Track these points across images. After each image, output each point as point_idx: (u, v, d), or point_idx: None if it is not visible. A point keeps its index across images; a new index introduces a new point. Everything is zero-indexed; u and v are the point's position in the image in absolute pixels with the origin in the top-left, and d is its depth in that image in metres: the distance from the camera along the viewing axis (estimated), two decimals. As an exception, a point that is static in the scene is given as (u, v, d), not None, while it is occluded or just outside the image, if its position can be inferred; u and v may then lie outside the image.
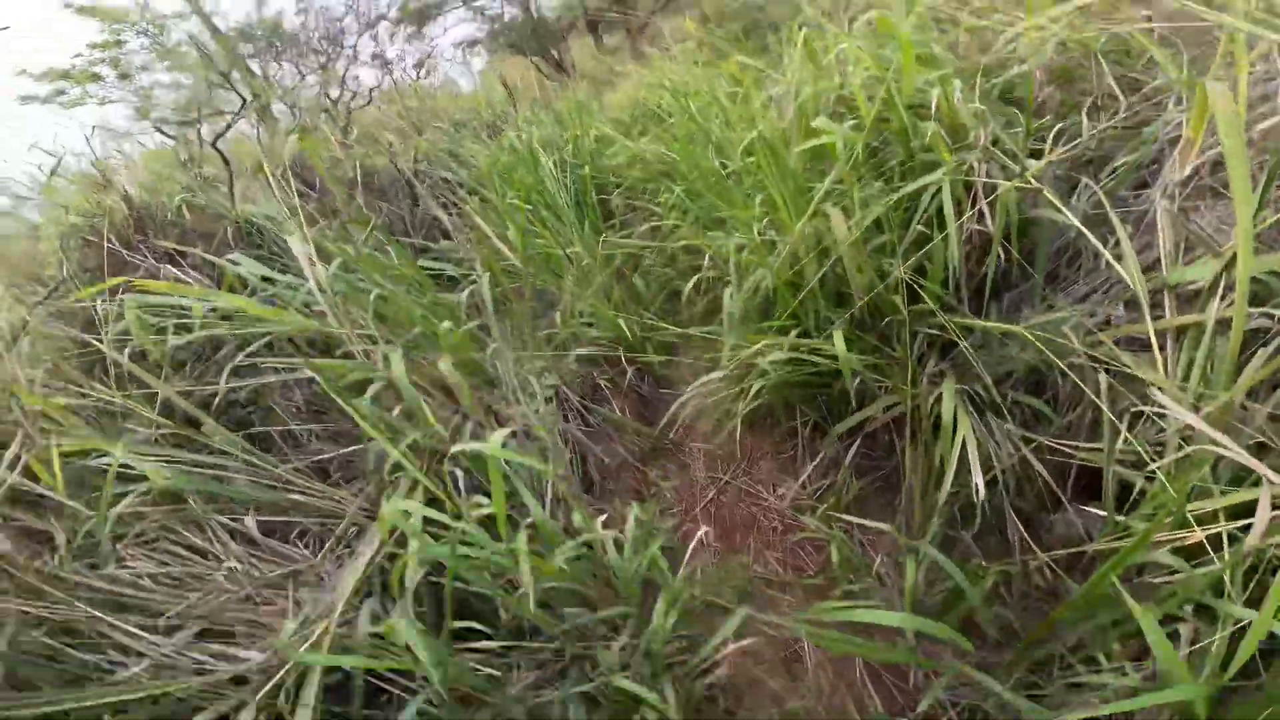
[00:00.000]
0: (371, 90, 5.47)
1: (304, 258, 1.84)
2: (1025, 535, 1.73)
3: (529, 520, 1.79)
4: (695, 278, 2.34)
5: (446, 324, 1.98)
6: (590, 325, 2.54)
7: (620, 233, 3.22)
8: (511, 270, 2.68)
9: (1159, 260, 1.76)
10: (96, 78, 7.74)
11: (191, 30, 9.21)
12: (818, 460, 2.27)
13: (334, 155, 4.03)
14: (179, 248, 2.72)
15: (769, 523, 2.27)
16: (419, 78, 9.39)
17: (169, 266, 2.58)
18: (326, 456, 2.28)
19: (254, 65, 9.02)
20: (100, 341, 2.39)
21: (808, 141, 1.96)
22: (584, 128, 4.07)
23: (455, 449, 1.63)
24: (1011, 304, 2.08)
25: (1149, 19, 2.07)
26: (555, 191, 2.95)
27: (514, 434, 2.19)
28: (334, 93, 7.40)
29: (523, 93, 7.18)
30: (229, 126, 2.95)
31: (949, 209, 1.71)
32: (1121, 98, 2.06)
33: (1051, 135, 1.97)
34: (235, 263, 2.33)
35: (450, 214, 3.34)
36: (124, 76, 8.12)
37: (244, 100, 3.17)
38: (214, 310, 2.08)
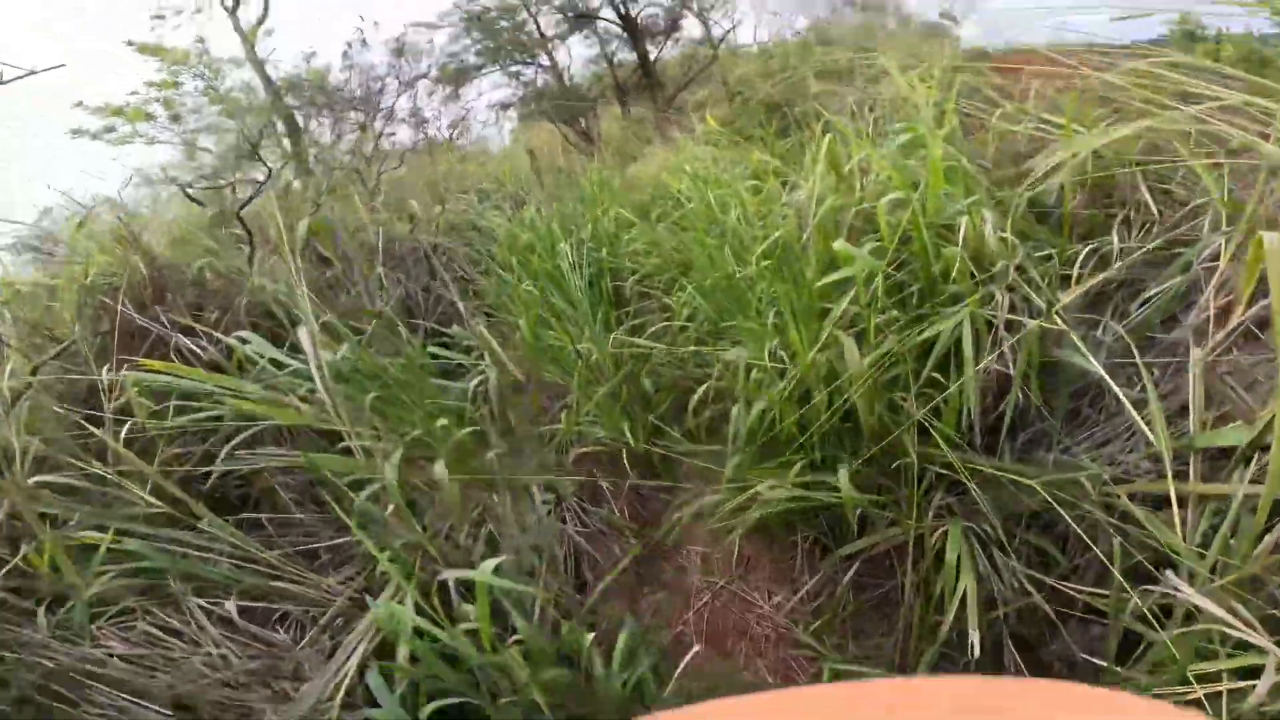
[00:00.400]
0: (403, 154, 5.61)
1: (310, 350, 1.82)
2: (1023, 667, 1.67)
3: (516, 636, 1.72)
4: (703, 388, 2.30)
5: (442, 423, 1.94)
6: (595, 424, 2.50)
7: (633, 321, 3.21)
8: (521, 359, 2.66)
9: (1187, 407, 1.70)
10: (149, 117, 7.99)
11: (244, 77, 9.60)
12: (817, 576, 2.20)
13: (359, 218, 4.10)
14: (192, 318, 2.73)
15: (762, 630, 2.19)
16: (452, 138, 9.66)
17: (182, 335, 2.58)
18: (318, 545, 2.22)
19: (298, 117, 9.32)
20: (101, 411, 2.38)
21: (826, 260, 1.94)
22: (605, 207, 4.13)
23: (443, 576, 1.57)
24: (1027, 443, 2.02)
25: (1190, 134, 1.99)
26: (570, 278, 2.95)
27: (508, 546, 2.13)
28: (368, 148, 7.61)
29: (549, 160, 7.37)
30: (253, 197, 2.99)
31: (968, 349, 1.67)
32: (1154, 208, 2.01)
33: (1080, 258, 1.93)
34: (245, 340, 2.33)
35: (468, 292, 3.35)
36: (175, 118, 8.40)
37: (269, 171, 3.22)
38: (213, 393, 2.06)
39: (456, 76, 12.36)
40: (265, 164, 3.56)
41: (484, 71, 12.89)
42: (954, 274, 1.72)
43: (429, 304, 3.19)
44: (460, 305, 2.82)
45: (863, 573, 2.04)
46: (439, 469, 1.81)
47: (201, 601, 2.07)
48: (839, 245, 1.75)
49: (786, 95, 4.33)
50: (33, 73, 2.89)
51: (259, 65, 9.73)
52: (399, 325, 2.77)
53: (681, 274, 3.06)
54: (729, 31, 11.81)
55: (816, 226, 1.94)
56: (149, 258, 2.83)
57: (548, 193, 5.00)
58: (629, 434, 2.39)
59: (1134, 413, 1.67)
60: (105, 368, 2.42)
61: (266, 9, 9.07)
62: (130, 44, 8.66)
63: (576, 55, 12.85)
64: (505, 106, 13.46)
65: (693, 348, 2.33)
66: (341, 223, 3.52)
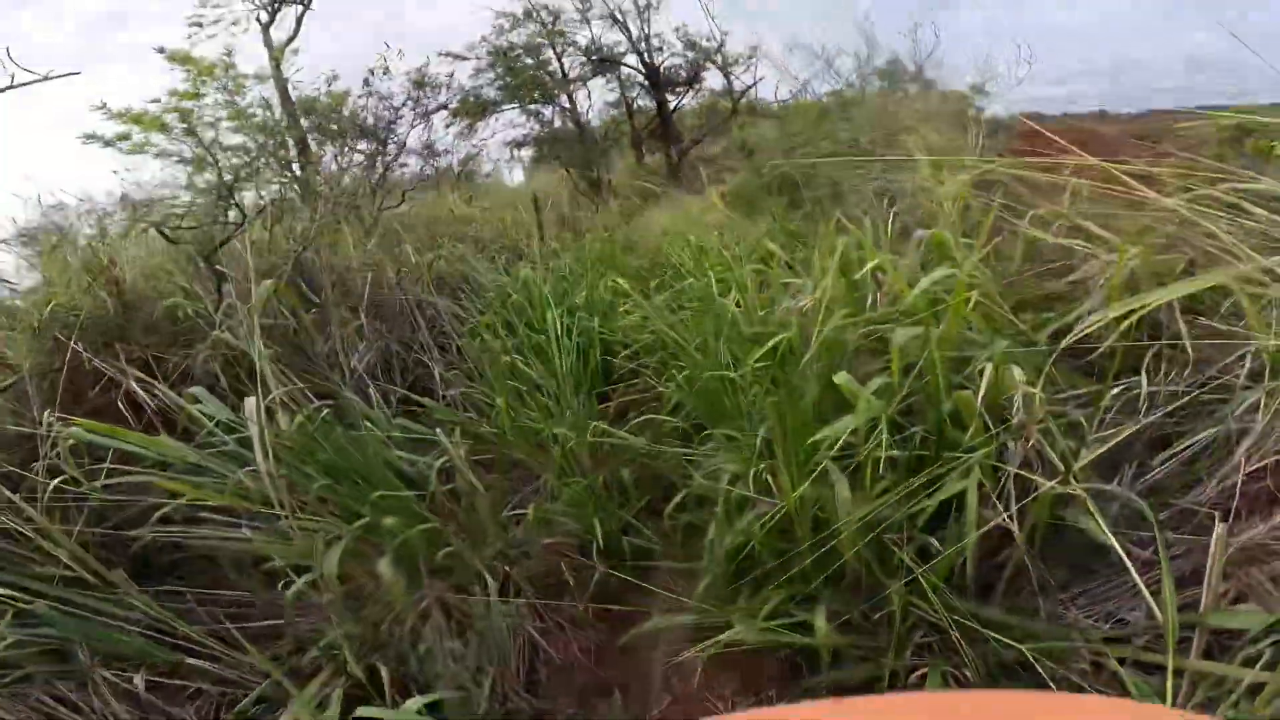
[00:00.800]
0: (404, 192, 5.54)
1: (254, 430, 1.68)
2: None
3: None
4: (681, 495, 2.15)
5: (390, 521, 1.78)
6: (564, 515, 2.33)
7: (619, 398, 3.07)
8: (494, 436, 2.51)
9: (1200, 571, 1.56)
10: (165, 128, 7.92)
11: (265, 94, 9.60)
12: (785, 697, 2.02)
13: (349, 260, 3.98)
14: (154, 360, 2.58)
15: (725, 747, 1.99)
16: (460, 175, 9.66)
17: (137, 380, 2.43)
18: (247, 626, 2.02)
19: (311, 141, 9.30)
20: (37, 458, 2.21)
21: (826, 377, 1.82)
22: (602, 272, 4.04)
23: (359, 713, 1.40)
24: (1021, 588, 1.88)
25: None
26: (557, 352, 2.82)
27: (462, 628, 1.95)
28: (375, 178, 7.54)
29: (555, 208, 7.33)
30: (227, 239, 2.86)
31: (973, 506, 1.53)
32: (1189, 347, 1.86)
33: (1104, 400, 1.79)
34: (196, 399, 2.18)
35: (450, 352, 3.22)
36: (190, 132, 8.33)
37: (245, 217, 3.08)
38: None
39: (474, 110, 12.47)
40: (240, 208, 3.43)
41: (503, 108, 13.01)
42: (966, 421, 1.59)
43: (407, 364, 3.04)
44: (436, 372, 2.68)
45: (836, 693, 1.88)
46: (384, 566, 1.64)
47: (108, 674, 1.88)
48: (842, 380, 1.62)
49: (801, 169, 4.28)
50: (47, 78, 2.81)
51: (281, 83, 9.78)
52: (369, 387, 2.62)
53: (673, 357, 2.94)
54: (749, 89, 11.91)
55: (820, 342, 1.81)
56: (117, 290, 2.70)
57: (547, 249, 4.92)
58: (598, 531, 2.23)
59: (1140, 581, 1.54)
60: (48, 413, 2.26)
61: (298, 28, 9.13)
62: (161, 50, 8.66)
63: (596, 99, 12.96)
64: (519, 145, 13.58)
65: (678, 449, 2.19)
66: (328, 267, 3.40)
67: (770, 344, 1.98)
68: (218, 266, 2.81)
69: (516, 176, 12.80)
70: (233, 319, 2.57)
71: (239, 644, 1.79)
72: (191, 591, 1.90)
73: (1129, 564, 1.54)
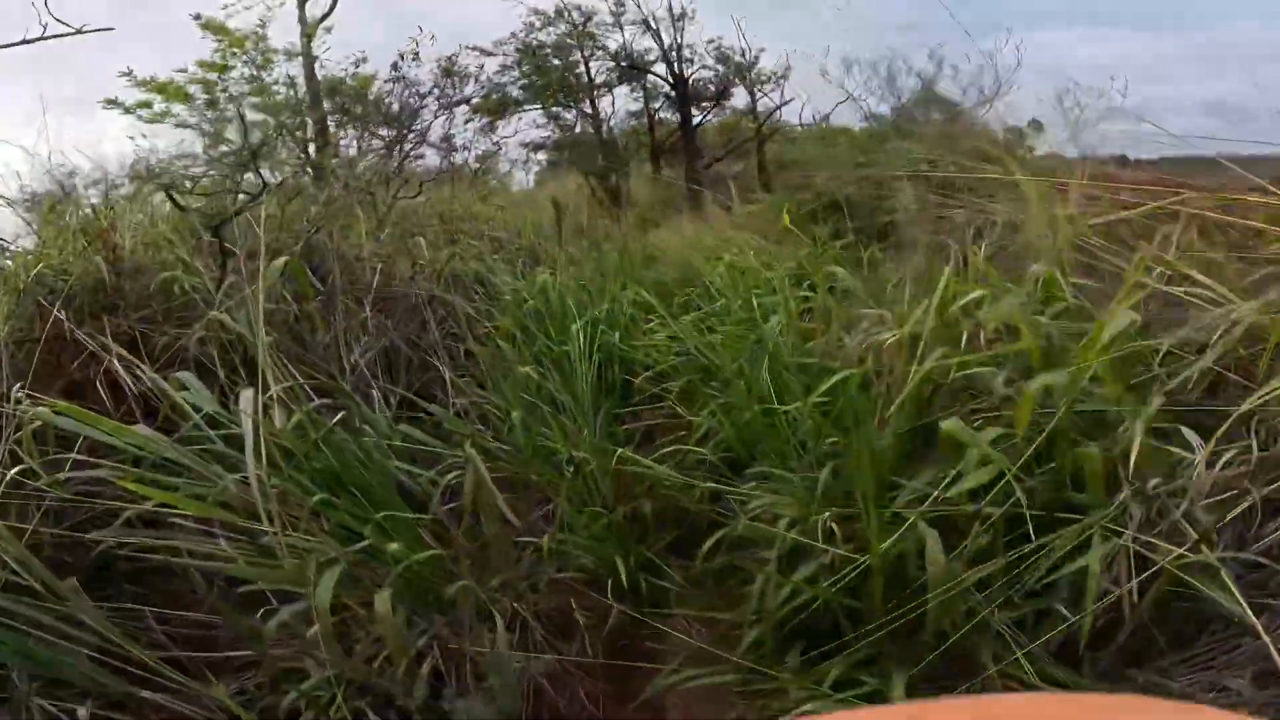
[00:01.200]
0: (421, 182, 5.34)
1: (248, 429, 1.46)
2: None
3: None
4: (719, 534, 1.93)
5: (394, 548, 1.56)
6: (579, 548, 2.11)
7: (641, 424, 2.86)
8: (505, 453, 2.29)
9: None
10: (187, 98, 7.72)
11: (292, 71, 9.42)
12: None
13: (358, 248, 3.77)
14: (141, 338, 2.36)
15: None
16: (478, 172, 9.48)
17: (120, 360, 2.20)
18: (217, 655, 1.78)
19: (330, 123, 9.13)
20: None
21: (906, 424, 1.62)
22: (624, 283, 3.84)
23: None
24: (1117, 658, 1.67)
25: None
26: (579, 368, 2.61)
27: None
28: (392, 167, 7.36)
29: (572, 214, 7.14)
30: (238, 212, 2.64)
31: (1095, 575, 1.32)
32: None
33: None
34: (183, 386, 1.96)
35: (460, 357, 3.00)
36: (212, 104, 8.15)
37: (263, 184, 2.86)
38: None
39: (497, 107, 12.33)
40: (261, 176, 3.22)
41: (525, 108, 12.87)
42: (1088, 482, 1.38)
43: (413, 366, 2.82)
44: (446, 377, 2.47)
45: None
46: (381, 602, 1.42)
47: (47, 704, 1.63)
48: (953, 428, 1.41)
49: (852, 191, 4.08)
50: (80, 32, 2.63)
51: (310, 61, 9.59)
52: (371, 387, 2.40)
53: (703, 382, 2.73)
54: (777, 108, 11.75)
55: (916, 379, 1.60)
56: (113, 256, 2.48)
57: (566, 256, 4.71)
58: (620, 568, 2.01)
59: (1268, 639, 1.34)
60: (18, 386, 2.04)
61: (333, 6, 8.95)
62: (197, 17, 8.48)
63: (619, 107, 12.85)
64: (538, 147, 13.43)
65: (709, 484, 1.97)
66: (336, 253, 3.19)
67: (834, 379, 1.78)
68: (224, 241, 2.59)
69: (530, 181, 12.65)
70: (233, 299, 2.35)
71: (203, 675, 1.56)
72: (152, 610, 1.66)
73: (1264, 635, 1.34)
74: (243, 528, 1.70)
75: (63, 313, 2.28)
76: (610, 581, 2.08)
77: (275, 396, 1.84)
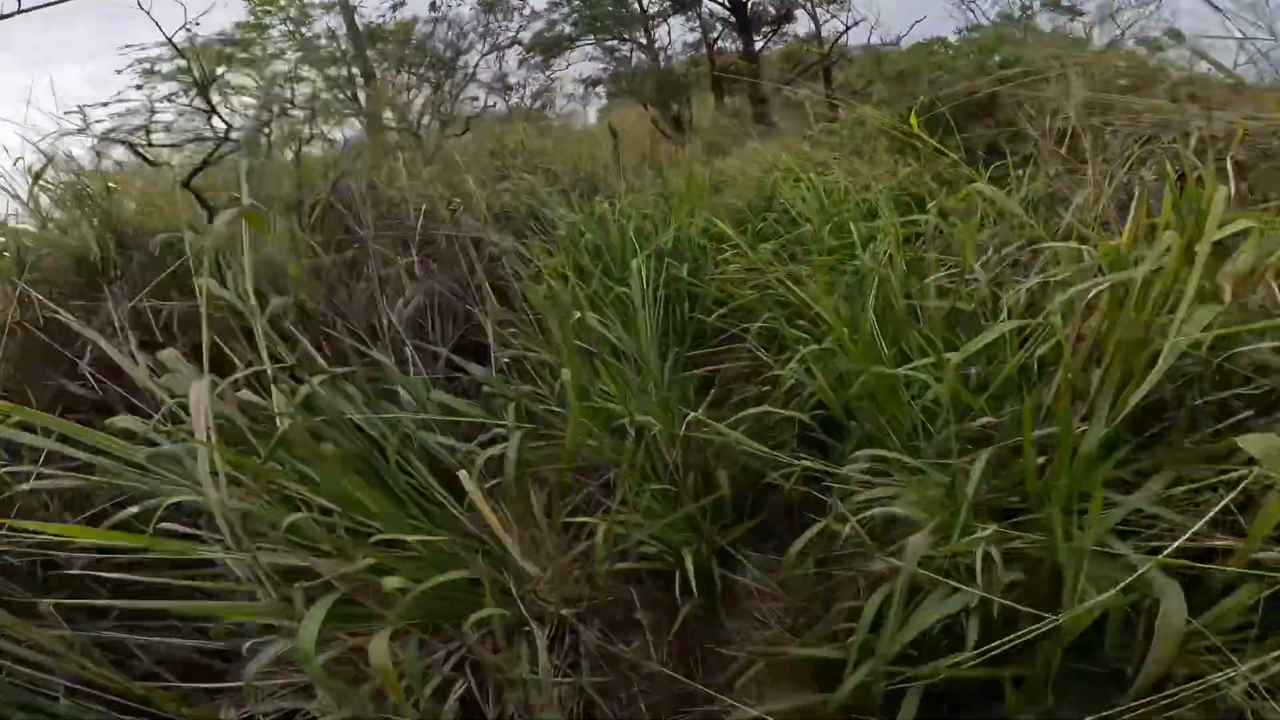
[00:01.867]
0: (469, 119, 4.94)
1: (201, 430, 1.14)
2: None
3: None
4: (815, 529, 1.50)
5: (394, 582, 1.22)
6: (641, 526, 1.74)
7: (715, 372, 2.43)
8: (555, 415, 1.93)
9: None
10: (222, 59, 7.58)
11: (331, 24, 9.16)
12: None
13: (400, 190, 3.44)
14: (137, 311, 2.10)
15: None
16: (532, 108, 9.02)
17: (110, 340, 1.95)
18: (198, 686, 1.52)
19: (376, 69, 8.83)
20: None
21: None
22: (693, 209, 3.34)
23: None
24: None
25: None
26: (642, 309, 2.19)
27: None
28: (445, 108, 7.00)
29: (633, 145, 6.60)
30: (204, 164, 2.29)
31: None
32: None
33: None
34: (166, 369, 1.66)
35: (508, 300, 2.64)
36: (249, 63, 8.00)
37: (229, 127, 2.49)
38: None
39: (550, 46, 11.73)
40: (222, 117, 2.86)
41: (578, 43, 12.23)
42: None
43: (456, 318, 2.47)
44: (489, 328, 2.10)
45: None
46: (376, 649, 1.09)
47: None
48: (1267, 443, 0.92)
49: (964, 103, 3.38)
50: None
51: (349, 12, 9.28)
52: (406, 345, 2.07)
53: (790, 320, 2.27)
54: (846, 31, 10.77)
55: (1171, 352, 1.08)
56: (107, 224, 2.22)
57: (628, 185, 4.23)
58: (688, 560, 1.63)
59: None
60: None
61: (368, -48, 8.56)
62: None
63: (675, 38, 12.08)
64: (595, 83, 12.78)
65: (801, 461, 1.53)
66: (373, 197, 2.85)
67: (993, 333, 1.30)
68: (199, 193, 2.27)
69: (592, 118, 12.07)
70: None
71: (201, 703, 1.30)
72: (143, 631, 1.40)
73: None
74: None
75: (46, 291, 2.04)
76: (678, 574, 1.70)
77: (272, 374, 1.53)
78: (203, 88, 2.87)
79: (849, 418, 1.74)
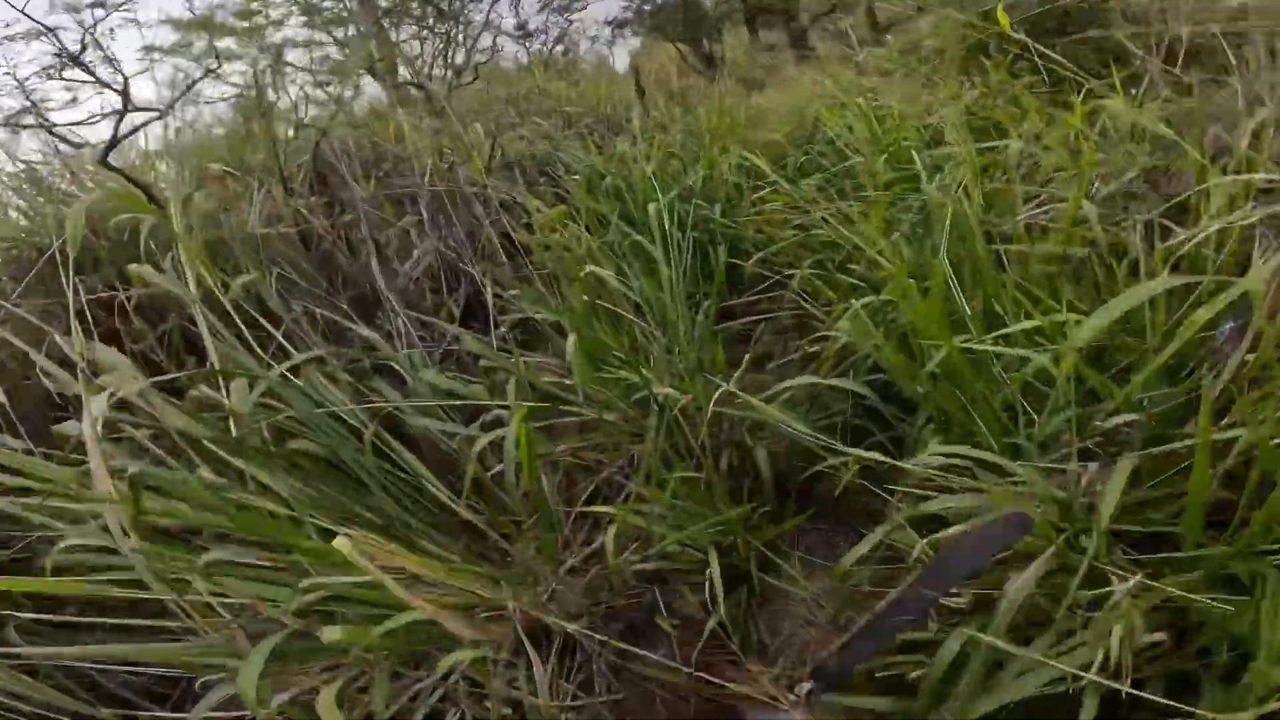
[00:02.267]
0: (477, 66, 4.59)
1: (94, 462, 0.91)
2: None
3: None
4: (879, 534, 1.20)
5: (334, 634, 0.98)
6: (664, 523, 1.47)
7: (749, 319, 2.12)
8: (566, 393, 1.66)
9: None
10: (223, 30, 7.34)
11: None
12: None
13: (404, 145, 3.17)
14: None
15: None
16: (553, 53, 8.54)
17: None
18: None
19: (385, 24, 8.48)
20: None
21: None
22: (725, 148, 2.97)
23: None
24: None
25: None
26: (663, 258, 1.89)
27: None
28: (459, 58, 6.63)
29: (661, 85, 6.14)
30: (116, 139, 2.00)
31: None
32: None
33: None
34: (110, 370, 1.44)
35: (517, 257, 2.37)
36: (253, 31, 7.74)
37: (126, 97, 2.16)
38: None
39: (567, -12, 11.13)
40: (98, 78, 2.53)
41: (603, -18, 11.59)
42: None
43: (462, 279, 2.21)
44: (489, 291, 1.83)
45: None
46: (324, 708, 0.86)
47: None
48: None
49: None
50: None
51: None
52: (399, 317, 1.83)
53: (839, 267, 1.93)
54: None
55: None
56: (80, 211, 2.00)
57: (653, 121, 3.85)
58: (713, 560, 1.35)
59: None
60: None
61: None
62: None
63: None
64: (621, 24, 12.12)
65: (858, 453, 1.22)
66: (370, 153, 2.58)
67: (1145, 292, 0.95)
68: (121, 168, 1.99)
69: (621, 62, 11.48)
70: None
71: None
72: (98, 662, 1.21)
73: None
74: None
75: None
76: (708, 579, 1.43)
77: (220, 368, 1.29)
78: (74, 56, 2.58)
79: (915, 390, 1.41)
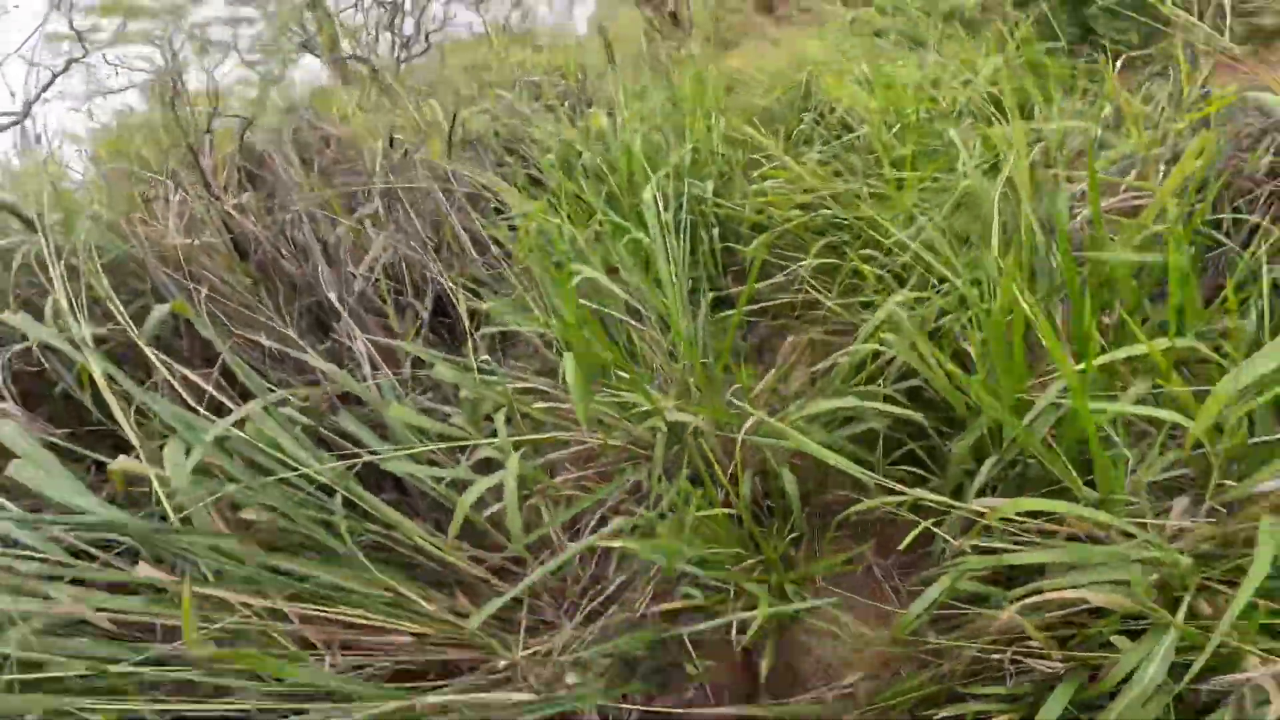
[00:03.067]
0: (428, 35, 4.21)
1: None
2: None
3: None
4: (937, 594, 0.99)
5: None
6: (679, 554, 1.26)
7: (759, 306, 1.89)
8: (563, 419, 1.42)
9: None
10: (134, 12, 6.64)
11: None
12: None
13: (347, 129, 2.84)
14: None
15: None
16: (508, 19, 8.08)
17: None
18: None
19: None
20: None
21: None
22: (711, 117, 2.70)
23: None
24: None
25: None
26: (663, 252, 1.63)
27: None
28: (408, 31, 6.19)
29: (628, 48, 5.79)
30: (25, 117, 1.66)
31: None
32: None
33: None
34: None
35: (488, 254, 2.10)
36: (171, 11, 7.09)
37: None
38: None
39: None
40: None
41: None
42: None
43: (430, 283, 1.92)
44: (459, 301, 1.56)
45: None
46: None
47: None
48: None
49: None
50: None
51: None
52: (358, 338, 1.56)
53: (858, 247, 1.70)
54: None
55: None
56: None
57: (629, 90, 3.55)
58: (745, 585, 1.15)
59: None
60: None
61: None
62: None
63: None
64: (582, -15, 11.58)
65: (900, 491, 0.99)
66: (301, 137, 2.26)
67: None
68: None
69: (581, 27, 10.97)
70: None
71: None
72: None
73: None
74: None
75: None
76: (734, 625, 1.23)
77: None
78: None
79: (964, 403, 1.20)
